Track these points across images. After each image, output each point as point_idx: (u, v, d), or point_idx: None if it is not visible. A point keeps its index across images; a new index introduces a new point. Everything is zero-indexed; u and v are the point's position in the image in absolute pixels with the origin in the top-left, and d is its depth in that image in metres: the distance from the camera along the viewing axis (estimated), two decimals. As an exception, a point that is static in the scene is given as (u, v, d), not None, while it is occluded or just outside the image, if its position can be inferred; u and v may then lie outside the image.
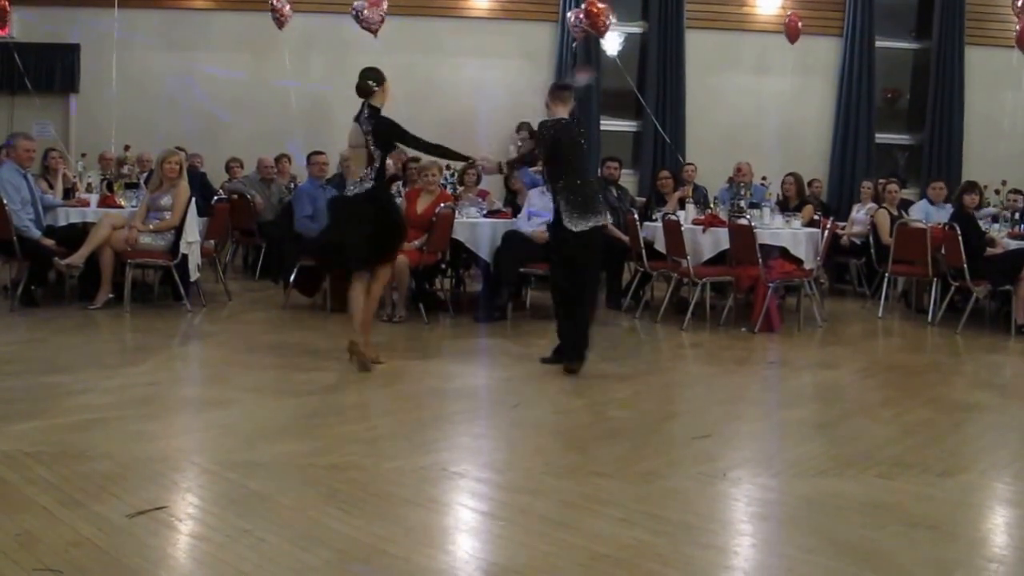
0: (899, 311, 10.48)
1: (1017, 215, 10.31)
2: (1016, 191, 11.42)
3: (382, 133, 6.72)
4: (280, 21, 13.11)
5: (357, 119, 6.80)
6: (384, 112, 6.81)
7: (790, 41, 14.18)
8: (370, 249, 6.72)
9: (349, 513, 4.00)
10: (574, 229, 6.76)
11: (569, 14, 13.63)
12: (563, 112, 7.07)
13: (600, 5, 12.54)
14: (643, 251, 9.40)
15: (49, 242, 8.72)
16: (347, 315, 6.89)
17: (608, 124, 14.87)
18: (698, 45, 14.74)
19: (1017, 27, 13.00)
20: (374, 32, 12.69)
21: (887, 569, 3.58)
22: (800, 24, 14.08)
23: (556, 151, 6.95)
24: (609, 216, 6.98)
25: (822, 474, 4.71)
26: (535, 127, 12.76)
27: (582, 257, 6.86)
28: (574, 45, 14.05)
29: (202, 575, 3.47)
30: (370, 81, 6.80)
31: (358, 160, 6.85)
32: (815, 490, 4.46)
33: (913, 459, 4.98)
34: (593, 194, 6.97)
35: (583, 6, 12.79)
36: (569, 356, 6.86)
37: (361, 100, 6.82)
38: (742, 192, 10.10)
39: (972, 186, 9.75)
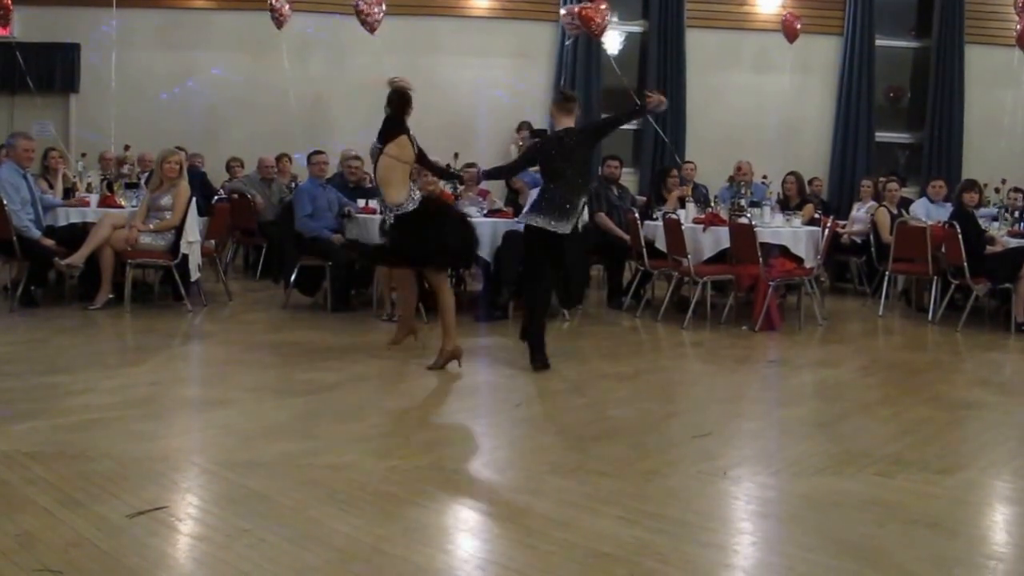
0: (899, 309, 10.48)
1: (1017, 213, 10.30)
2: (1017, 189, 11.43)
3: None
4: (279, 21, 13.12)
5: (407, 132, 6.70)
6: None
7: (788, 40, 14.18)
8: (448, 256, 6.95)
9: (349, 512, 3.99)
10: (523, 221, 7.08)
11: (563, 10, 13.62)
12: (568, 122, 7.01)
13: (594, 8, 12.52)
14: (644, 250, 9.41)
15: (49, 242, 8.72)
16: (395, 320, 7.02)
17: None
18: (698, 44, 14.75)
19: (1018, 26, 13.00)
20: (372, 29, 12.70)
21: (887, 567, 3.58)
22: (798, 23, 14.08)
23: (544, 162, 7.06)
24: (561, 226, 6.85)
25: (822, 472, 4.71)
26: (535, 126, 12.81)
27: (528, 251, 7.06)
28: (568, 43, 14.05)
29: (202, 575, 3.47)
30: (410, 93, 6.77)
31: (405, 173, 6.73)
32: (815, 488, 4.46)
33: (913, 457, 4.99)
34: (561, 200, 6.88)
35: (576, 9, 12.78)
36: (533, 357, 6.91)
37: (398, 113, 6.68)
38: (743, 191, 10.10)
39: (972, 184, 9.75)
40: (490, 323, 8.76)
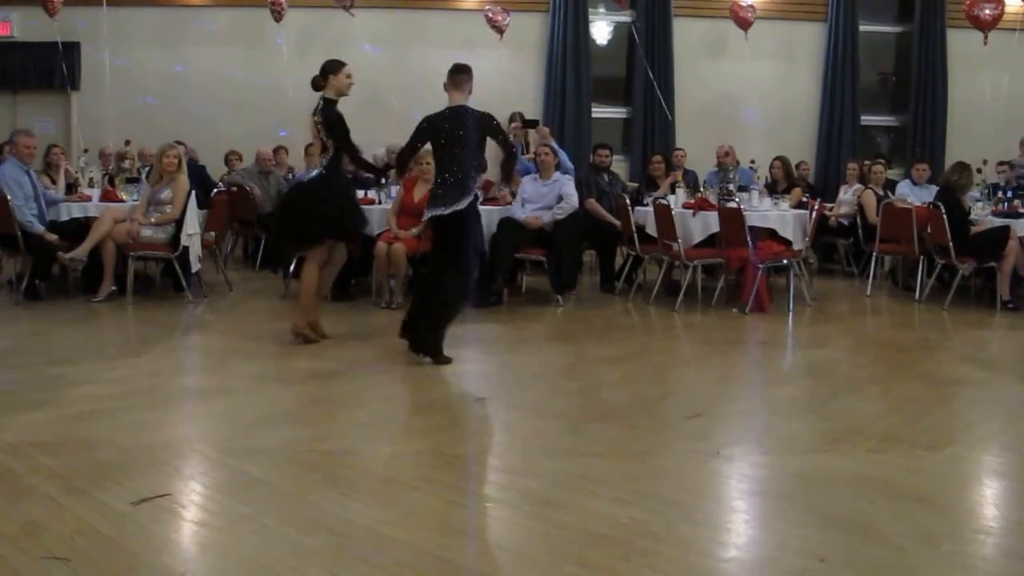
0: (886, 289, 10.56)
1: (1000, 192, 10.39)
2: (978, 170, 11.58)
3: (329, 126, 6.92)
4: (278, 14, 13.18)
5: (313, 113, 7.02)
6: (343, 104, 7.04)
7: (742, 29, 14.13)
8: (292, 234, 7.17)
9: (349, 497, 4.05)
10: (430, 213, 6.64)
11: None
12: (460, 99, 6.89)
13: None
14: (635, 235, 9.49)
15: (52, 236, 8.78)
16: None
17: (598, 111, 14.90)
18: (685, 32, 14.77)
19: (985, 12, 12.97)
20: (347, 7, 12.77)
21: (877, 541, 3.64)
22: (750, 15, 14.08)
23: (439, 142, 6.70)
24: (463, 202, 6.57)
25: (813, 450, 4.78)
26: (527, 116, 12.82)
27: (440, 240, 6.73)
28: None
29: (205, 560, 3.52)
30: (318, 75, 7.00)
31: (316, 151, 7.29)
32: (806, 466, 4.53)
33: (901, 434, 5.06)
34: (459, 185, 6.61)
35: None
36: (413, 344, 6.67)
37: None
38: (730, 175, 10.15)
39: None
40: (485, 309, 8.81)
